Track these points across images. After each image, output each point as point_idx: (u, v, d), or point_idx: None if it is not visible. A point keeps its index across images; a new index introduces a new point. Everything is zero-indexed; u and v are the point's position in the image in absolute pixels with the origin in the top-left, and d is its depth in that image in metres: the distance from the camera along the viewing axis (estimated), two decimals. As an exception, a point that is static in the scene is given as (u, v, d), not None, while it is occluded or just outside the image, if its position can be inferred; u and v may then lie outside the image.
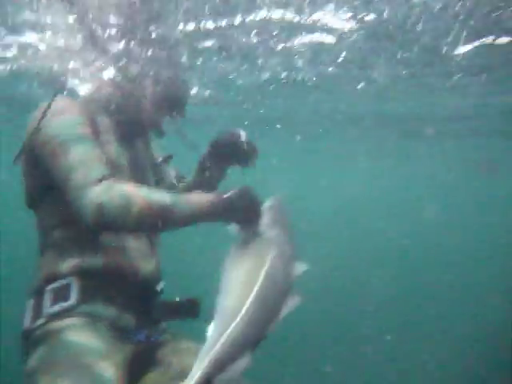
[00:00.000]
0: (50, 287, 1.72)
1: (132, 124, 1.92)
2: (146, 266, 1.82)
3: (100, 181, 1.61)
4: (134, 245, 1.82)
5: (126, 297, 1.75)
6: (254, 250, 1.62)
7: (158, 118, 1.93)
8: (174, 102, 1.94)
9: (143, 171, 2.00)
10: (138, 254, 1.82)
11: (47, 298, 1.70)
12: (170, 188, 2.12)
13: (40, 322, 1.68)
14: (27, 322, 1.72)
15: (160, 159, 2.16)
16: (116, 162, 1.81)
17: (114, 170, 1.71)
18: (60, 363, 1.54)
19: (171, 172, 2.20)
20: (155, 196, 1.59)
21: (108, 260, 1.75)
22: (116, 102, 1.88)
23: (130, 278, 1.76)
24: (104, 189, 1.58)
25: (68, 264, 1.74)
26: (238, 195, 1.62)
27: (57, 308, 1.68)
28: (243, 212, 1.63)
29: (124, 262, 1.77)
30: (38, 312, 1.71)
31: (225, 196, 1.62)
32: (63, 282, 1.71)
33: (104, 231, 1.72)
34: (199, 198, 1.62)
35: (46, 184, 1.73)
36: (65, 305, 1.68)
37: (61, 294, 1.70)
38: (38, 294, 1.74)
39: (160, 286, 1.89)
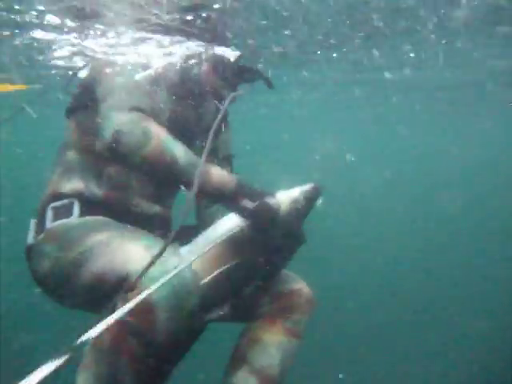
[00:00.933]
0: (52, 205, 1.74)
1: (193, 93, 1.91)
2: (147, 209, 1.84)
3: (132, 110, 1.62)
4: (138, 186, 1.83)
5: None
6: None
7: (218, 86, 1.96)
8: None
9: (187, 134, 1.86)
10: (140, 196, 1.84)
11: (49, 215, 1.72)
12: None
13: (41, 236, 1.69)
14: (30, 239, 1.76)
15: (220, 155, 2.13)
16: (159, 111, 1.79)
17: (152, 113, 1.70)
18: (80, 235, 1.58)
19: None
20: (175, 148, 1.60)
21: (108, 193, 1.78)
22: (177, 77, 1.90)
23: (127, 215, 1.78)
24: (132, 118, 1.59)
25: (72, 186, 1.78)
26: (254, 212, 1.59)
27: (58, 223, 1.68)
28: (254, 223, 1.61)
29: (124, 198, 1.80)
30: (40, 228, 1.73)
31: (244, 203, 1.61)
32: (65, 201, 1.74)
33: (115, 158, 1.70)
34: (220, 179, 1.63)
35: (86, 100, 1.78)
36: (65, 221, 1.68)
37: (62, 212, 1.72)
38: (42, 212, 1.77)
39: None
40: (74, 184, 1.78)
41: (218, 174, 1.65)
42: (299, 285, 1.84)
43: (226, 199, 1.65)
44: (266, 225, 1.59)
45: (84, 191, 1.77)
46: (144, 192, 1.86)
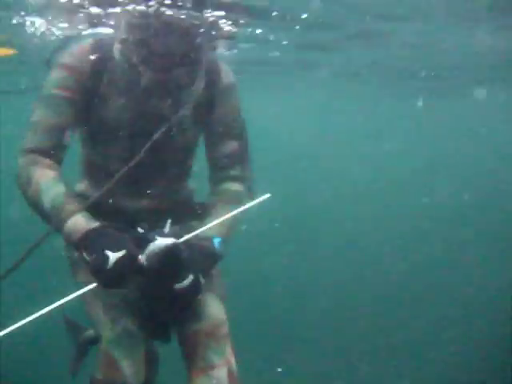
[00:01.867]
0: None
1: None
2: (132, 205, 1.98)
3: (30, 152, 1.81)
4: (118, 186, 1.86)
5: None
6: None
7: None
8: None
9: (153, 125, 1.86)
10: (122, 194, 1.95)
11: None
12: None
13: None
14: None
15: (216, 131, 2.04)
16: (113, 116, 1.89)
17: (104, 127, 1.89)
18: None
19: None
20: (47, 194, 1.72)
21: (97, 194, 1.85)
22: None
23: (114, 213, 1.92)
24: (25, 162, 1.81)
25: (78, 187, 2.07)
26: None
27: None
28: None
29: (108, 198, 1.90)
30: None
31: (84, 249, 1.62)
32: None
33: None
34: (72, 227, 1.66)
35: None
36: None
37: None
38: None
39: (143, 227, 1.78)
40: (78, 186, 2.10)
41: (75, 222, 1.66)
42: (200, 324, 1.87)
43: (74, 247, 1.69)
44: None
45: (83, 191, 2.04)
46: (125, 190, 1.94)
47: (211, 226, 1.71)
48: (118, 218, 1.87)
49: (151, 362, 1.91)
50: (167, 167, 2.03)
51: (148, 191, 2.00)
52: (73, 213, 1.67)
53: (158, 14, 1.75)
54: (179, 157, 2.06)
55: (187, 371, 1.85)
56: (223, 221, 1.74)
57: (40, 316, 1.41)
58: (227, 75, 2.04)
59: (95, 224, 1.65)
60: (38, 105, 1.85)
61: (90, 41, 1.91)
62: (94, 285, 1.56)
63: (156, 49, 1.75)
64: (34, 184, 1.75)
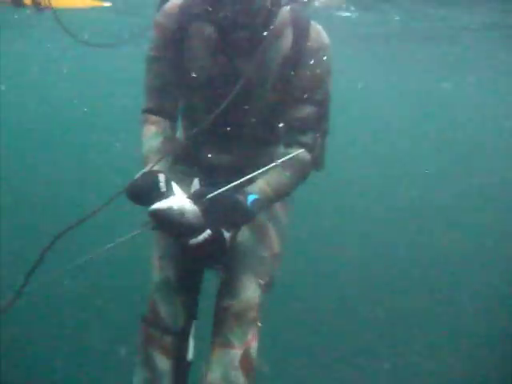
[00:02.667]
0: None
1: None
2: (214, 160, 2.06)
3: (143, 112, 2.03)
4: (209, 140, 2.05)
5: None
6: None
7: None
8: None
9: (233, 80, 1.83)
10: (208, 148, 2.07)
11: None
12: None
13: None
14: None
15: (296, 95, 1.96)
16: (197, 71, 1.93)
17: (186, 81, 1.97)
18: None
19: None
20: (143, 146, 1.97)
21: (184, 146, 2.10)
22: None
23: (197, 164, 2.10)
24: (140, 121, 2.04)
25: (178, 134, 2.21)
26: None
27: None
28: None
29: (194, 149, 2.10)
30: None
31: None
32: None
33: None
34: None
35: None
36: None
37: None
38: None
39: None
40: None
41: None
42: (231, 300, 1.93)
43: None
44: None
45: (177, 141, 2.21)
46: (211, 145, 2.07)
47: (237, 184, 1.75)
48: (197, 168, 2.08)
49: (189, 310, 2.01)
50: (250, 126, 2.01)
51: (230, 148, 2.06)
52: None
53: None
54: (263, 116, 1.99)
55: (211, 339, 1.95)
56: (269, 180, 1.86)
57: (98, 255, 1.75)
58: (318, 36, 1.90)
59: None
60: (145, 67, 2.00)
61: None
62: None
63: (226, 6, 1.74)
64: (141, 142, 1.99)
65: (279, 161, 1.82)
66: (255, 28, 1.79)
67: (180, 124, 2.17)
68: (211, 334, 1.95)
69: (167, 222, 1.67)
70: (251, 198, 1.79)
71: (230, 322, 1.90)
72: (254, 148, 2.08)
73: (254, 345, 1.91)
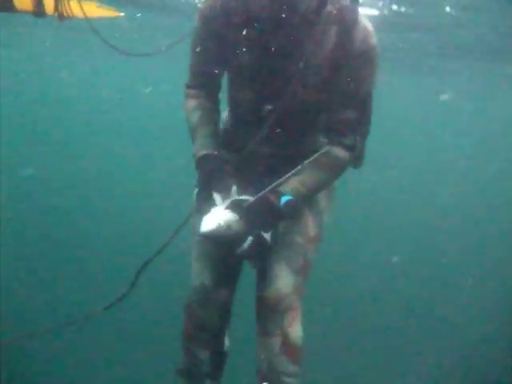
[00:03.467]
0: None
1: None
2: (255, 149, 2.02)
3: (186, 87, 2.12)
4: (246, 128, 2.07)
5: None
6: None
7: None
8: None
9: (277, 73, 1.89)
10: (250, 138, 2.02)
11: None
12: None
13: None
14: None
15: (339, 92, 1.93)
16: (240, 61, 1.92)
17: (222, 70, 2.04)
18: None
19: None
20: (189, 119, 2.08)
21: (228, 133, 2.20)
22: None
23: (239, 152, 2.08)
24: (184, 96, 2.13)
25: (224, 113, 2.27)
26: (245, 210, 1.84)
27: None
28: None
29: (234, 138, 2.16)
30: None
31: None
32: None
33: None
34: (202, 144, 2.02)
35: None
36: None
37: None
38: None
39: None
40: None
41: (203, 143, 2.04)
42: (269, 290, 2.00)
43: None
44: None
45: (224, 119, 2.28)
46: (252, 135, 2.02)
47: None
48: (240, 157, 2.07)
49: (225, 310, 2.14)
50: (294, 119, 2.00)
51: (274, 139, 2.02)
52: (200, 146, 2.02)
53: None
54: (307, 111, 1.99)
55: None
56: (304, 179, 1.89)
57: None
58: (366, 37, 1.82)
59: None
60: (191, 47, 2.03)
61: None
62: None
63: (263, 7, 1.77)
64: (185, 115, 2.11)
65: (306, 162, 1.90)
66: (301, 27, 1.78)
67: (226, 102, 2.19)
68: (256, 325, 2.05)
69: (218, 238, 1.80)
70: (284, 199, 1.84)
71: (266, 312, 1.99)
72: (294, 140, 2.07)
73: (293, 330, 1.97)
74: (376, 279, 8.23)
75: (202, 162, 1.97)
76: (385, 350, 6.35)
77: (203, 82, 2.09)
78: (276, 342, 1.96)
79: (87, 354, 5.00)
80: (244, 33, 1.84)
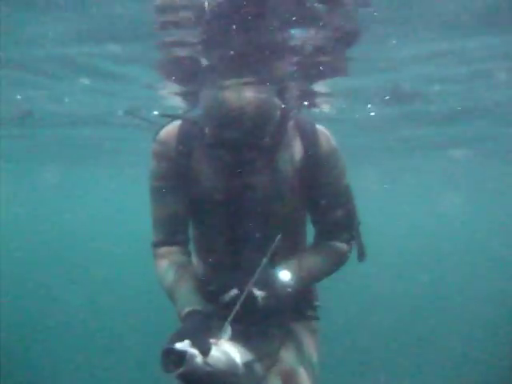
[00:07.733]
0: None
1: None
2: (221, 278, 1.91)
3: (153, 246, 2.00)
4: (217, 259, 2.02)
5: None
6: None
7: None
8: None
9: (245, 197, 1.89)
10: (217, 268, 2.01)
11: None
12: None
13: None
14: None
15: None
16: (207, 196, 1.91)
17: (196, 210, 1.97)
18: None
19: None
20: (164, 280, 1.93)
21: (197, 269, 2.09)
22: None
23: (205, 286, 1.95)
24: (154, 255, 2.00)
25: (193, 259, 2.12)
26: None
27: None
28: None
29: (205, 271, 2.08)
30: None
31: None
32: None
33: None
34: (184, 300, 1.84)
35: None
36: None
37: None
38: None
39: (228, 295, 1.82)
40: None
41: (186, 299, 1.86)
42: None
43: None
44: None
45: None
46: (227, 262, 2.00)
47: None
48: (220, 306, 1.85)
49: None
50: (273, 237, 1.89)
51: (250, 264, 1.87)
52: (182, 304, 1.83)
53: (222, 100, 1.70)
54: (285, 227, 1.95)
55: None
56: (304, 265, 1.92)
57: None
58: (327, 141, 1.92)
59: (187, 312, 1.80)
60: (150, 198, 1.98)
61: (176, 123, 1.93)
62: None
63: (228, 134, 1.74)
64: (158, 276, 1.96)
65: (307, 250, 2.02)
66: (266, 145, 1.79)
67: (192, 247, 2.11)
68: None
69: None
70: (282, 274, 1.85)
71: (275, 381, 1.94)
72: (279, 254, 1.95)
73: None
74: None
75: (188, 318, 1.78)
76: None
77: (171, 234, 1.97)
78: None
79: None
80: (212, 158, 1.86)
